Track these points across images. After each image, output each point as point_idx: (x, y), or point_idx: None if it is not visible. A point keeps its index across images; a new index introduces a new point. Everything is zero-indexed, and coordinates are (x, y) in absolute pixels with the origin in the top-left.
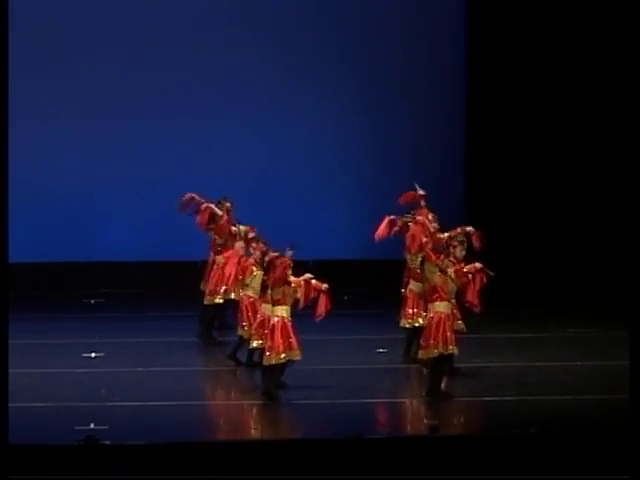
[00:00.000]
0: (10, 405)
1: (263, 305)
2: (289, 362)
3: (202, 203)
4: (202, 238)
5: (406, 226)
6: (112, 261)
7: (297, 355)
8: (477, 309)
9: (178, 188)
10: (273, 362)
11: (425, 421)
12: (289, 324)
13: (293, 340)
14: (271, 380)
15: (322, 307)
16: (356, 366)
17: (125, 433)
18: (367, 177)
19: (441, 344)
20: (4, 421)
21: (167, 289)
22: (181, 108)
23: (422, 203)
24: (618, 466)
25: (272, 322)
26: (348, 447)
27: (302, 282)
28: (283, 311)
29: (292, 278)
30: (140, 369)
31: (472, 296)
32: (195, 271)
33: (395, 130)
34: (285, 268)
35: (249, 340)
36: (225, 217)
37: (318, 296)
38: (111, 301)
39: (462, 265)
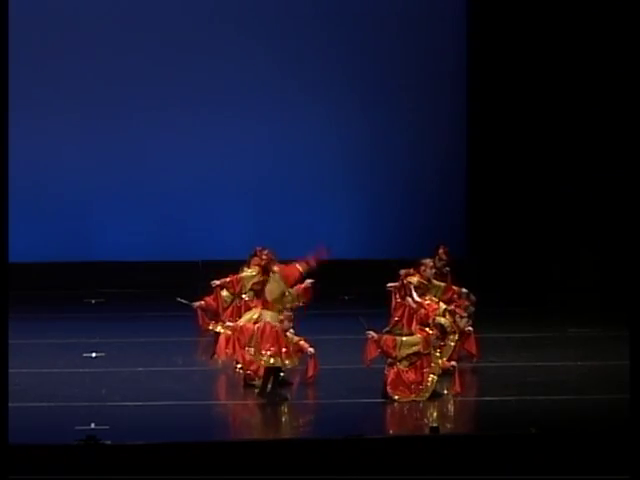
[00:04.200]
0: (10, 405)
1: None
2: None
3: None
4: (202, 238)
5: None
6: (112, 261)
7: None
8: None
9: (179, 188)
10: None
11: (425, 421)
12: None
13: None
14: (266, 382)
15: (311, 370)
16: (356, 366)
17: (125, 433)
18: (367, 177)
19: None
20: (4, 421)
21: (167, 289)
22: (181, 109)
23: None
24: (618, 466)
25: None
26: (348, 447)
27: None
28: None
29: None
30: (140, 369)
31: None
32: (195, 271)
33: (396, 131)
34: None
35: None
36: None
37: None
38: (111, 301)
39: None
